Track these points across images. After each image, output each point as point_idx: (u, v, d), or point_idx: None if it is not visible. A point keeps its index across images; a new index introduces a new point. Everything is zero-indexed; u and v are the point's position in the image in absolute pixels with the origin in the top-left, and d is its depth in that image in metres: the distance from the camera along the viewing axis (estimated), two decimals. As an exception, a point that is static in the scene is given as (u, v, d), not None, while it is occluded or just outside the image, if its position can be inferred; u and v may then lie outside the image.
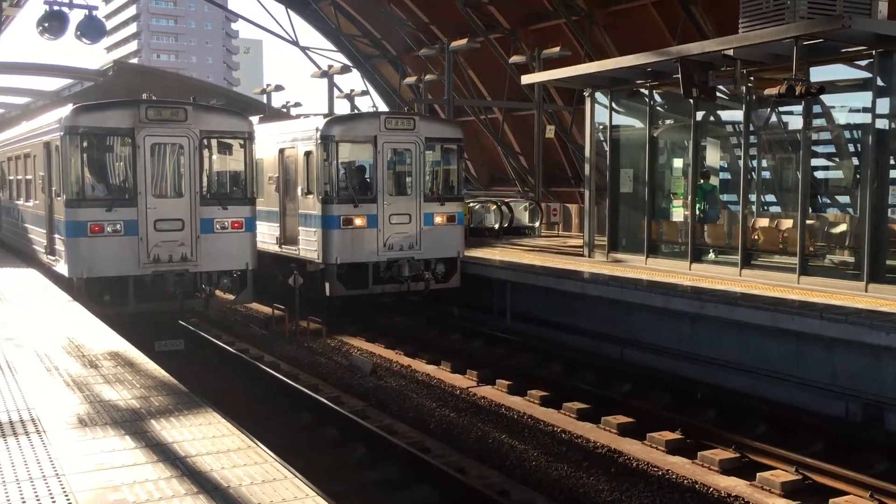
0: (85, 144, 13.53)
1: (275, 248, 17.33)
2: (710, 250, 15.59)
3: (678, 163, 17.12)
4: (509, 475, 8.49)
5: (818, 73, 13.12)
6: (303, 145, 16.16)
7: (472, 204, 23.40)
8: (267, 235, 17.27)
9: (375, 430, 9.20)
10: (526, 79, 19.68)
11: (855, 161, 14.73)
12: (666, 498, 7.99)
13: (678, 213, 16.70)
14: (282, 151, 17.07)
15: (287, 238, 17.07)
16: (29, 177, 16.71)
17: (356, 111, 30.19)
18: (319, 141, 15.50)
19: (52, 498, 4.50)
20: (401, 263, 15.84)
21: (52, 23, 14.51)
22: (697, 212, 15.55)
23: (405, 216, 15.90)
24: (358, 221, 15.54)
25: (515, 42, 27.54)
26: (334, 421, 9.88)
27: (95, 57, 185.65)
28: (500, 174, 33.08)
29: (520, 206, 24.80)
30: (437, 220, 16.24)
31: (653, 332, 13.08)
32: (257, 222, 15.16)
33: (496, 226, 23.28)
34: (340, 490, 7.40)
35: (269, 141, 17.32)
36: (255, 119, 16.25)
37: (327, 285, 15.52)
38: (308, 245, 16.01)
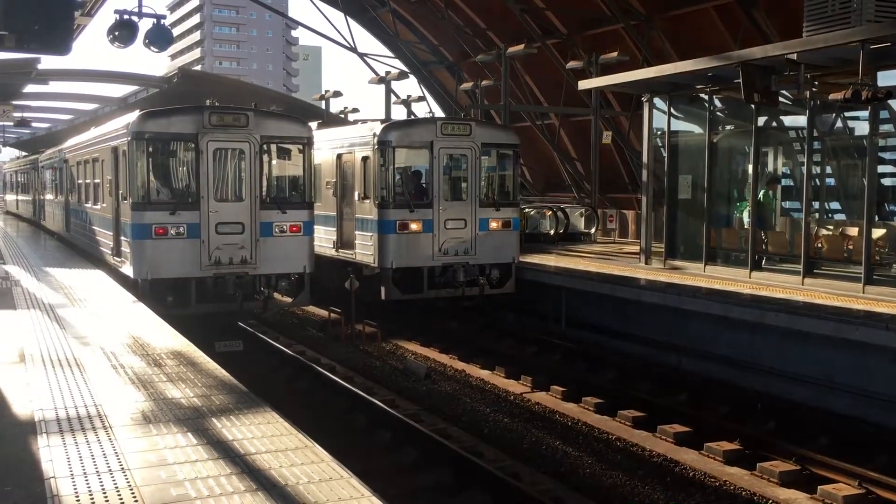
0: (150, 149, 13.91)
1: (331, 252, 17.54)
2: (771, 258, 15.27)
3: (742, 169, 16.79)
4: (563, 482, 8.46)
5: (885, 78, 12.72)
6: (360, 150, 16.34)
7: (527, 210, 23.32)
8: (324, 239, 17.50)
9: (430, 434, 9.25)
10: (583, 84, 19.54)
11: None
12: (723, 509, 7.88)
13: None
14: (339, 156, 17.30)
15: (344, 242, 17.28)
16: (97, 181, 17.22)
17: (413, 117, 30.34)
18: (376, 146, 15.66)
19: (118, 491, 4.65)
20: (456, 268, 15.89)
21: (122, 31, 14.92)
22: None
23: (460, 221, 15.95)
24: (414, 226, 15.65)
25: (572, 47, 27.36)
26: (389, 424, 9.97)
27: (160, 64, 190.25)
28: (556, 180, 32.85)
29: (576, 212, 24.64)
30: (493, 225, 16.26)
31: (711, 340, 12.87)
32: (315, 226, 15.38)
33: (551, 232, 23.15)
34: (395, 492, 7.45)
35: (326, 146, 17.55)
36: (313, 124, 16.48)
37: (383, 289, 15.65)
38: (364, 249, 16.18)
